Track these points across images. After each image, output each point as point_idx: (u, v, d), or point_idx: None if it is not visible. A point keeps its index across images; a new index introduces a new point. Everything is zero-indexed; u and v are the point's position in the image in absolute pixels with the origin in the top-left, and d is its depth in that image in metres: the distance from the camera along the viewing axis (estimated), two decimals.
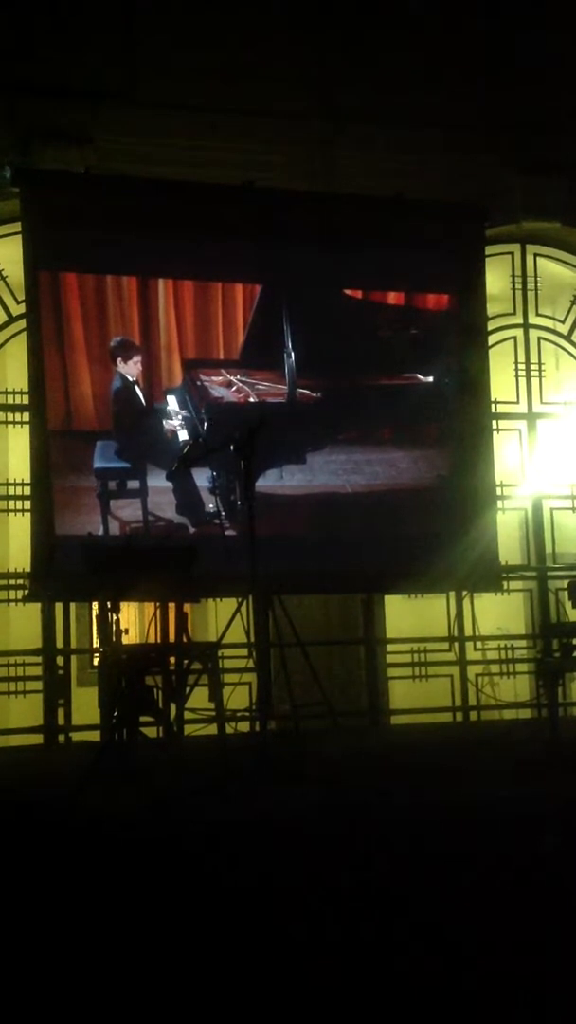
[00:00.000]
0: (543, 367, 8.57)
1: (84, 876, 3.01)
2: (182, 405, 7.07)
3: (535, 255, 8.67)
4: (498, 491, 7.99)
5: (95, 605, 5.90)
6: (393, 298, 7.88)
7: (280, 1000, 2.01)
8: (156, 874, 3.01)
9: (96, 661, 6.86)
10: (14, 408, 7.45)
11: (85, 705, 6.88)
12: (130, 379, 7.03)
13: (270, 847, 3.34)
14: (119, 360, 7.02)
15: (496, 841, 3.29)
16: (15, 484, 7.41)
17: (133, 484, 6.94)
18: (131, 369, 7.04)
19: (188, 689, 5.34)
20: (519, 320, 8.58)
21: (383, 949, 2.29)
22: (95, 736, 6.09)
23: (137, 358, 7.06)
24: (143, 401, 7.06)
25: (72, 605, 7.26)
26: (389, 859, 3.12)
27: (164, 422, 7.07)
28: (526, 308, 8.59)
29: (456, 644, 8.04)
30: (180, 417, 7.03)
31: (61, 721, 7.08)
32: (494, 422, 8.08)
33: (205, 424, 6.80)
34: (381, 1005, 1.97)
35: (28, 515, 6.99)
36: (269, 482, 6.89)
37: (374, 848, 3.28)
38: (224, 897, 2.74)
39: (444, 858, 3.09)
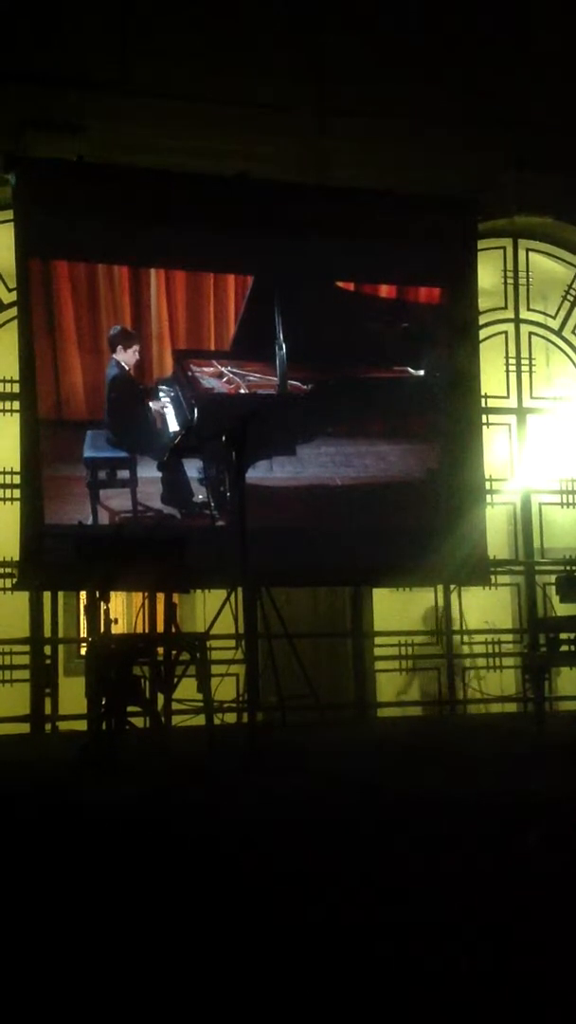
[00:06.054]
0: (534, 362, 8.59)
1: (70, 865, 3.01)
2: (173, 396, 7.06)
3: (527, 250, 8.68)
4: (487, 485, 8.01)
5: (83, 594, 5.91)
6: (385, 291, 7.89)
7: (278, 994, 2.01)
8: (144, 864, 3.02)
9: (83, 650, 6.87)
10: (4, 396, 7.42)
11: (72, 694, 6.88)
12: (126, 367, 7.03)
13: (257, 837, 3.35)
14: (119, 348, 7.01)
15: (488, 832, 3.30)
16: (5, 473, 7.39)
17: (123, 474, 6.93)
18: (129, 358, 7.04)
19: (176, 679, 5.35)
20: (510, 315, 8.59)
21: (380, 941, 2.30)
22: (82, 725, 6.09)
23: (136, 347, 7.06)
24: (138, 390, 7.06)
25: (60, 594, 7.26)
26: (379, 850, 3.14)
27: (154, 412, 7.07)
28: (517, 303, 8.60)
29: (443, 638, 8.06)
30: (170, 407, 7.03)
31: (48, 710, 7.08)
32: (484, 416, 8.09)
33: (196, 415, 6.80)
34: (379, 1000, 1.97)
35: (17, 503, 7.00)
36: (259, 474, 6.89)
37: (364, 838, 3.29)
38: (214, 886, 2.75)
39: (436, 849, 3.10)
